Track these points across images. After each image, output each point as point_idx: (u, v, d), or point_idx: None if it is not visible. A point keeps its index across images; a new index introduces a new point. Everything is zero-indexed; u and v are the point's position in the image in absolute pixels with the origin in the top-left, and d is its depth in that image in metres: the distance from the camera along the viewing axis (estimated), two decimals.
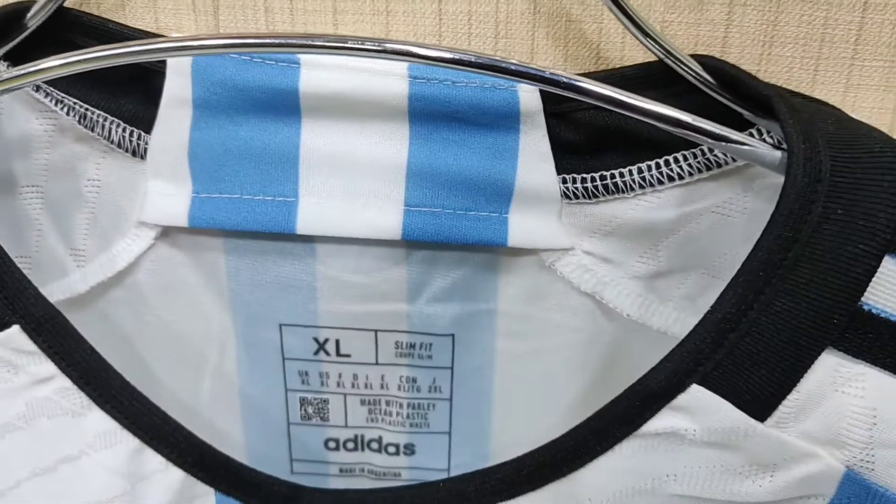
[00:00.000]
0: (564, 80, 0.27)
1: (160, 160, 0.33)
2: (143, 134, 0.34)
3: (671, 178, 0.33)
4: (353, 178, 0.33)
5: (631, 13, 0.29)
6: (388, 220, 0.33)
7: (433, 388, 0.39)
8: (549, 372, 0.37)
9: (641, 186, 0.33)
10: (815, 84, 0.32)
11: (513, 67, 0.27)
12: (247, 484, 0.34)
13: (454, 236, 0.34)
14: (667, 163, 0.32)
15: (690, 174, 0.32)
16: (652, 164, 0.33)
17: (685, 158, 0.32)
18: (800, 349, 0.28)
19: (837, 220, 0.28)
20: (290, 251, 0.35)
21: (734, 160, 0.31)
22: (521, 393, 0.38)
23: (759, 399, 0.29)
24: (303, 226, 0.34)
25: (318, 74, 0.32)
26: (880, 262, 0.27)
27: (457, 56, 0.27)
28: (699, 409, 0.29)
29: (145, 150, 0.34)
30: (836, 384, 0.29)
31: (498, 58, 0.27)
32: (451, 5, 0.32)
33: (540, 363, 0.37)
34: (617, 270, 0.35)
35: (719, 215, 0.33)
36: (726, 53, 0.32)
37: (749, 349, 0.29)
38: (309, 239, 0.35)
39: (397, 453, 0.40)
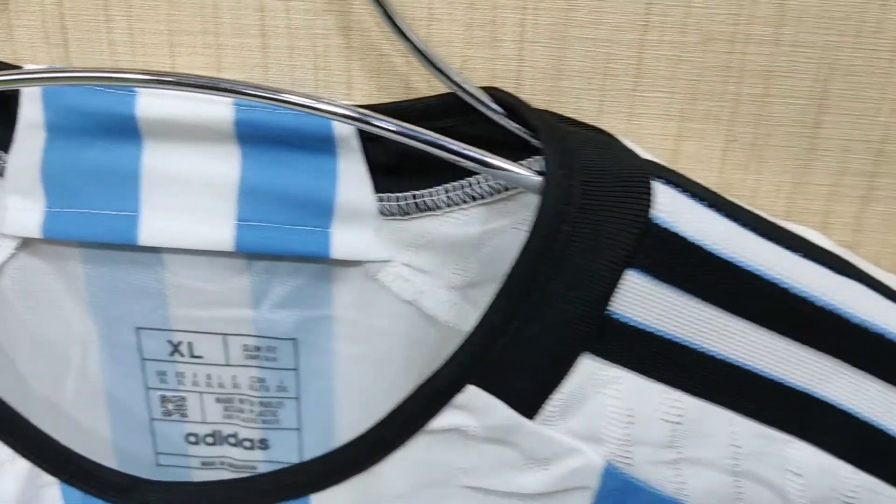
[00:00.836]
0: (341, 111, 0.31)
1: (17, 178, 0.37)
2: (2, 154, 0.37)
3: (473, 198, 0.36)
4: (191, 195, 0.37)
5: (422, 50, 0.32)
6: (222, 233, 0.37)
7: (281, 388, 0.42)
8: (382, 373, 0.40)
9: (448, 205, 0.36)
10: (601, 114, 0.35)
11: (294, 100, 0.31)
12: (87, 475, 0.37)
13: (282, 248, 0.37)
14: (470, 184, 0.36)
15: (490, 194, 0.36)
16: (457, 184, 0.36)
17: (486, 179, 0.35)
18: (560, 354, 0.32)
19: (585, 238, 0.31)
20: (140, 261, 0.39)
21: None
22: (359, 392, 0.42)
23: (527, 399, 0.32)
24: (145, 238, 0.37)
25: (153, 101, 0.35)
26: (621, 274, 0.31)
27: (237, 87, 0.30)
28: (476, 407, 0.33)
29: (3, 168, 0.37)
30: (596, 386, 0.32)
31: (280, 90, 0.31)
32: (274, 40, 0.35)
33: (374, 365, 0.40)
34: (434, 280, 0.38)
35: (519, 231, 0.36)
36: (521, 86, 0.35)
37: (516, 354, 0.32)
38: (156, 250, 0.38)
39: (252, 448, 0.43)
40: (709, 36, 0.33)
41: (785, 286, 0.31)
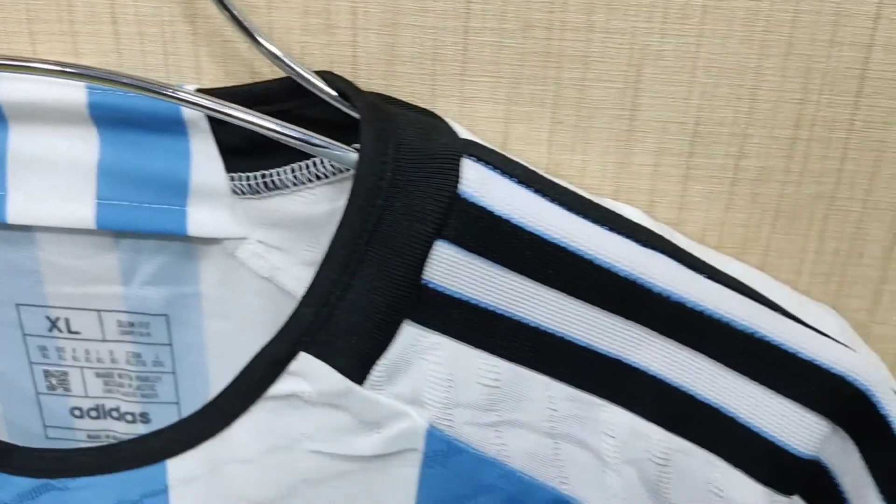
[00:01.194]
0: (169, 93, 0.33)
1: None
2: None
3: (318, 177, 0.38)
4: (55, 175, 0.39)
5: (256, 37, 0.35)
6: (83, 211, 0.39)
7: (157, 363, 0.44)
8: (250, 347, 0.42)
9: (295, 184, 0.38)
10: (435, 98, 0.37)
11: (125, 81, 0.33)
12: None
13: (141, 226, 0.39)
14: (315, 164, 0.38)
15: (334, 174, 0.38)
16: (303, 164, 0.38)
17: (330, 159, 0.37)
18: (382, 321, 0.34)
19: (396, 211, 0.33)
20: (15, 239, 0.41)
21: None
22: (231, 366, 0.43)
23: (355, 365, 0.34)
24: (13, 216, 0.39)
25: (12, 85, 0.37)
26: (432, 245, 0.33)
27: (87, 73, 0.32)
28: (309, 374, 0.35)
29: None
30: (418, 352, 0.34)
31: (114, 72, 0.33)
32: (125, 27, 0.37)
33: (242, 339, 0.42)
34: (288, 257, 0.40)
35: None
36: (357, 71, 0.37)
37: (342, 322, 0.34)
38: (28, 228, 0.40)
39: (134, 421, 0.45)
40: (527, 23, 0.35)
41: (589, 257, 0.33)
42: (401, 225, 0.33)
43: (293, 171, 0.38)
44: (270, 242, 0.40)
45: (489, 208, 0.33)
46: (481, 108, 0.37)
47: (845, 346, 0.33)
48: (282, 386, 0.36)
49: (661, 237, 0.34)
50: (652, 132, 0.37)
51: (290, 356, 0.35)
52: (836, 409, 0.33)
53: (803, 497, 0.35)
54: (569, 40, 0.36)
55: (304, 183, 0.38)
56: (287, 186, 0.38)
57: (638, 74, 0.36)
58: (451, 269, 0.33)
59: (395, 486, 0.36)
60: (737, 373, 0.33)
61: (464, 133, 0.35)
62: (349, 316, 0.34)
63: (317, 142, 0.33)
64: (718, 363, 0.33)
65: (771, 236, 0.38)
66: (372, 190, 0.33)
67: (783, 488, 0.34)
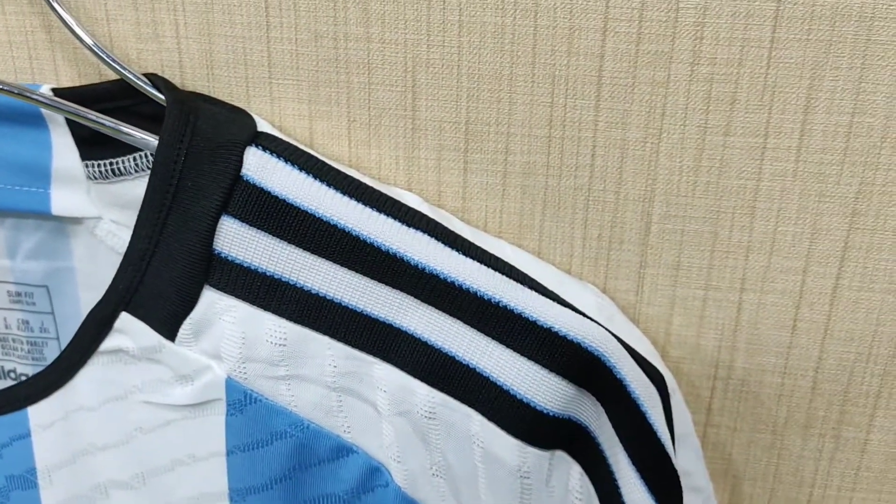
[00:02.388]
0: (16, 91, 0.40)
1: None
2: None
3: None
4: None
5: (91, 47, 0.41)
6: None
7: (43, 329, 0.50)
8: None
9: (136, 170, 0.45)
10: (249, 98, 0.43)
11: None
12: None
13: (13, 206, 0.46)
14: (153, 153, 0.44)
15: None
16: (143, 153, 0.45)
17: None
18: (185, 285, 0.40)
19: (188, 189, 0.39)
20: None
21: None
22: None
23: (165, 323, 0.40)
24: None
25: None
26: (218, 220, 0.39)
27: None
28: (131, 331, 0.41)
29: None
30: (217, 313, 0.40)
31: None
32: None
33: None
34: None
35: None
36: (184, 74, 0.43)
37: (153, 285, 0.40)
38: None
39: None
40: (316, 34, 0.41)
41: (356, 233, 0.38)
42: (192, 202, 0.39)
43: (134, 159, 0.44)
44: (121, 221, 0.46)
45: (268, 189, 0.38)
46: (288, 108, 0.43)
47: (589, 317, 0.37)
48: (110, 342, 0.41)
49: (424, 217, 0.39)
50: (432, 130, 0.42)
51: (114, 315, 0.41)
52: (577, 372, 0.36)
53: (569, 453, 0.38)
54: (353, 49, 0.41)
55: (143, 169, 0.45)
56: (131, 172, 0.45)
57: (414, 80, 0.41)
58: (237, 240, 0.38)
59: (209, 432, 0.42)
60: (489, 337, 0.37)
61: (265, 127, 0.41)
62: (157, 280, 0.40)
63: (126, 130, 0.40)
64: (472, 328, 0.37)
65: (542, 224, 0.43)
66: (167, 171, 0.39)
67: (536, 442, 0.37)
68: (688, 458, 0.42)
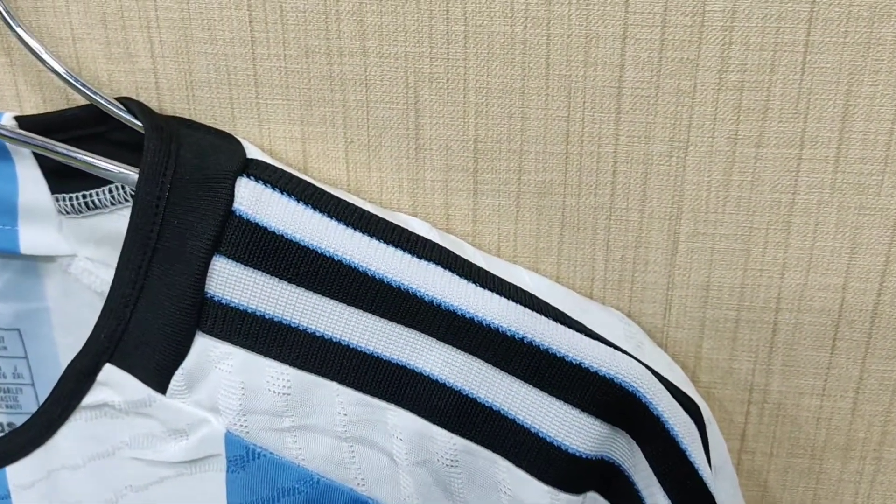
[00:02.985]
0: None
1: None
2: None
3: (133, 196, 0.40)
4: None
5: (58, 70, 0.38)
6: None
7: (17, 375, 0.47)
8: None
9: (113, 203, 0.41)
10: (235, 121, 0.39)
11: None
12: None
13: None
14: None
15: None
16: (118, 185, 0.40)
17: None
18: (175, 332, 0.36)
19: (174, 228, 0.35)
20: None
21: None
22: None
23: (155, 375, 0.37)
24: None
25: None
26: (210, 260, 0.35)
27: None
28: (116, 383, 0.37)
29: None
30: (212, 361, 0.36)
31: None
32: None
33: None
34: (112, 272, 0.42)
35: None
36: (161, 96, 0.39)
37: (140, 334, 0.36)
38: None
39: (2, 431, 0.48)
40: (307, 49, 0.38)
41: (364, 269, 0.35)
42: (179, 241, 0.35)
43: (110, 191, 0.41)
44: (97, 258, 0.42)
45: (263, 224, 0.35)
46: (278, 130, 0.39)
47: (621, 349, 0.35)
48: (93, 396, 0.38)
49: (435, 247, 0.36)
50: (437, 150, 0.39)
51: (96, 367, 0.37)
52: (610, 410, 0.34)
53: (601, 493, 0.36)
54: (348, 65, 0.38)
55: (120, 202, 0.41)
56: (106, 206, 0.41)
57: (416, 96, 0.38)
58: (231, 282, 0.35)
59: (208, 490, 0.39)
60: (513, 376, 0.34)
61: (255, 153, 0.37)
62: (143, 328, 0.36)
63: (101, 165, 0.36)
64: (494, 367, 0.34)
65: (561, 246, 0.40)
66: (150, 208, 0.35)
67: (569, 487, 0.35)
68: (724, 491, 0.39)
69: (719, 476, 0.39)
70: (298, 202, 0.35)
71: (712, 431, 0.38)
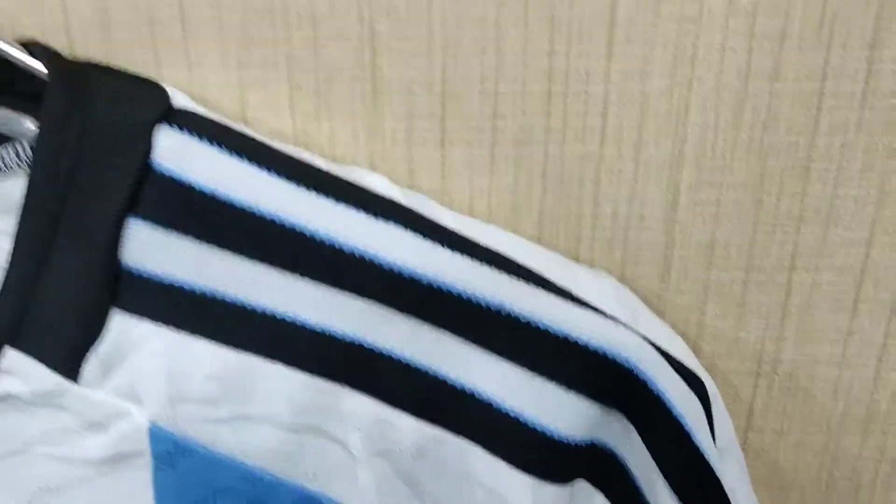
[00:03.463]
0: None
1: None
2: None
3: None
4: None
5: None
6: None
7: None
8: None
9: (20, 165, 0.35)
10: (160, 65, 0.34)
11: None
12: None
13: None
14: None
15: None
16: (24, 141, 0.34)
17: None
18: (85, 311, 0.31)
19: (82, 188, 0.30)
20: None
21: None
22: None
23: (65, 360, 0.31)
24: None
25: None
26: (125, 223, 0.29)
27: None
28: (20, 371, 0.32)
29: None
30: (133, 344, 0.31)
31: None
32: None
33: None
34: None
35: None
36: (73, 40, 0.34)
37: (46, 313, 0.31)
38: None
39: None
40: None
41: (311, 232, 0.30)
42: (89, 204, 0.30)
43: (15, 149, 0.34)
44: (4, 230, 0.36)
45: (188, 180, 0.29)
46: (212, 76, 0.34)
47: (615, 319, 0.30)
48: None
49: (395, 205, 0.31)
50: (398, 94, 0.34)
51: None
52: (603, 388, 0.30)
53: (591, 482, 0.32)
54: None
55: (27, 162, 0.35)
56: (11, 167, 0.35)
57: (372, 31, 0.33)
58: (151, 249, 0.30)
59: (132, 492, 0.34)
60: (489, 352, 0.30)
61: (183, 102, 0.32)
62: (49, 307, 0.31)
63: None
64: (468, 342, 0.30)
65: (543, 202, 0.35)
66: (52, 167, 0.29)
67: (554, 477, 0.31)
68: (731, 474, 0.35)
69: (725, 458, 0.35)
70: (231, 154, 0.30)
71: (717, 409, 0.34)
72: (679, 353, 0.34)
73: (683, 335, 0.37)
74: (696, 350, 0.37)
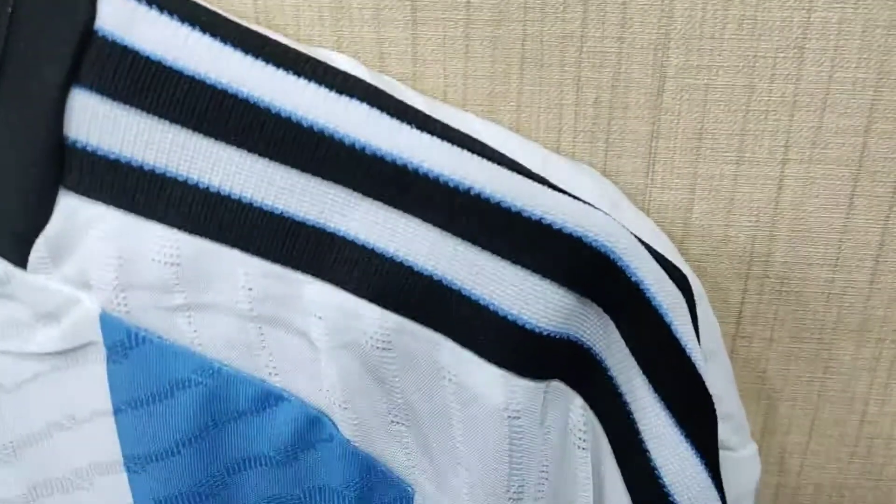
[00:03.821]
0: None
1: None
2: None
3: None
4: None
5: None
6: None
7: None
8: None
9: None
10: None
11: None
12: None
13: None
14: None
15: None
16: None
17: None
18: (32, 190, 0.29)
19: (21, 55, 0.27)
20: None
21: None
22: None
23: (12, 245, 0.29)
24: None
25: None
26: (68, 94, 0.27)
27: None
28: None
29: None
30: (82, 227, 0.29)
31: None
32: None
33: None
34: None
35: None
36: None
37: None
38: None
39: None
40: None
41: (267, 106, 0.27)
42: (28, 72, 0.28)
43: None
44: None
45: (134, 47, 0.27)
46: None
47: (592, 206, 0.28)
48: None
49: (360, 82, 0.28)
50: None
51: None
52: (578, 275, 0.28)
53: (567, 383, 0.29)
54: None
55: None
56: None
57: None
58: (96, 122, 0.28)
59: (88, 386, 0.32)
60: (456, 238, 0.28)
61: None
62: None
63: None
64: (435, 227, 0.28)
65: (521, 87, 0.32)
66: None
67: (527, 371, 0.29)
68: (717, 381, 0.33)
69: (711, 363, 0.33)
70: (182, 22, 0.27)
71: (704, 311, 0.32)
72: (663, 248, 0.32)
73: (669, 234, 0.35)
74: (684, 251, 0.35)
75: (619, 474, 0.32)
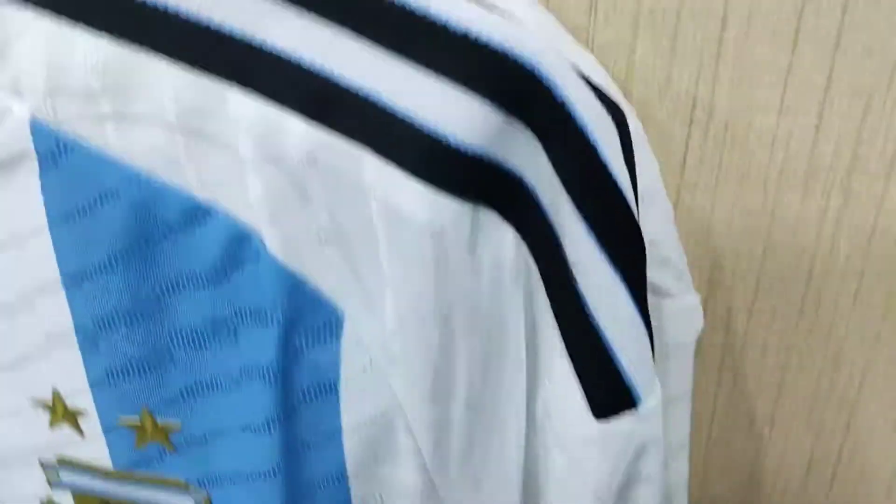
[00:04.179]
0: None
1: None
2: None
3: None
4: None
5: None
6: None
7: None
8: None
9: None
10: None
11: None
12: None
13: None
14: None
15: None
16: None
17: None
18: None
19: None
20: None
21: None
22: None
23: None
24: None
25: None
26: None
27: None
28: None
29: None
30: (13, 35, 0.29)
31: None
32: None
33: None
34: None
35: None
36: None
37: None
38: None
39: None
40: None
41: None
42: None
43: None
44: None
45: None
46: None
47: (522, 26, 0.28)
48: None
49: None
50: None
51: None
52: (503, 90, 0.27)
53: (499, 212, 0.29)
54: None
55: None
56: None
57: None
58: None
59: (25, 200, 0.32)
60: (381, 48, 0.28)
61: None
62: None
63: None
64: (361, 37, 0.28)
65: None
66: None
67: (450, 187, 0.28)
68: (654, 222, 0.33)
69: (648, 203, 0.32)
70: None
71: (640, 145, 0.32)
72: (601, 82, 0.32)
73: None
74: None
75: (549, 307, 0.32)
